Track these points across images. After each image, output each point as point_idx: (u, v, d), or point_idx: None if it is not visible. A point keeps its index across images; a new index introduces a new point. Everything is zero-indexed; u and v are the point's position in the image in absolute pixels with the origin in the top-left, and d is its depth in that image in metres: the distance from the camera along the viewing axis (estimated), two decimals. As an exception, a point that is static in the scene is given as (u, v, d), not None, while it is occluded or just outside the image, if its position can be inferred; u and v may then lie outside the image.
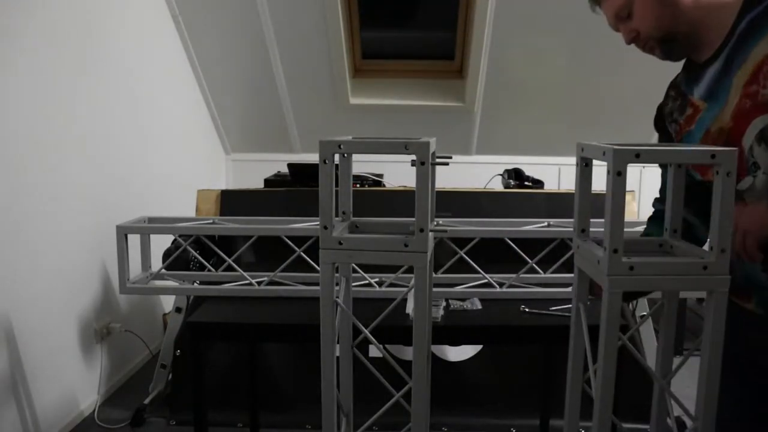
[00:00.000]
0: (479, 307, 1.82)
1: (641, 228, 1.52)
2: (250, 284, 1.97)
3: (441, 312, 1.75)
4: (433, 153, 1.26)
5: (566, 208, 2.51)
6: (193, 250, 2.03)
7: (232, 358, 2.66)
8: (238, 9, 3.54)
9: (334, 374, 1.26)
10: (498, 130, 4.19)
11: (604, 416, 1.07)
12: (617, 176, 1.00)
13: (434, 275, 1.77)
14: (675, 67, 1.37)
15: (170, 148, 3.62)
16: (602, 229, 1.04)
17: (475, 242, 1.98)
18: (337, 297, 1.28)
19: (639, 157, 1.01)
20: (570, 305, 1.26)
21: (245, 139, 4.41)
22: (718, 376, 1.06)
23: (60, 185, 2.54)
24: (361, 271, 1.98)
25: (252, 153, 4.44)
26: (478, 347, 2.69)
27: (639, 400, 1.99)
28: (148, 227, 2.03)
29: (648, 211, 1.49)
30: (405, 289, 1.48)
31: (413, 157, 1.16)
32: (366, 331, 1.31)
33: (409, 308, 1.72)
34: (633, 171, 3.95)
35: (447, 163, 1.31)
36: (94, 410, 2.71)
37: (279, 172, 2.97)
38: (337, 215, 1.27)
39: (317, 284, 1.48)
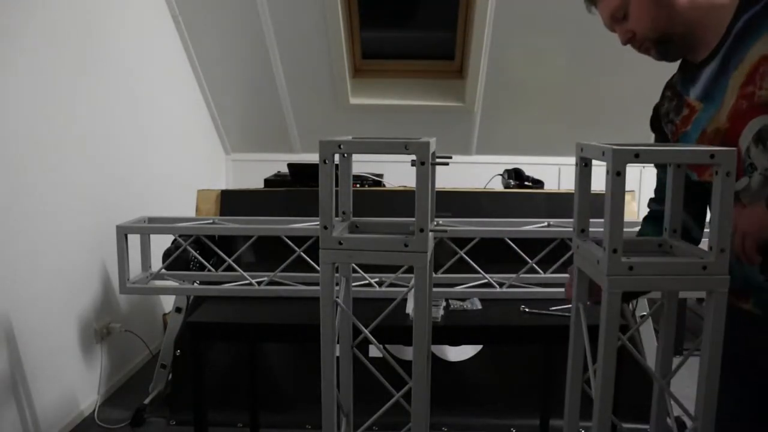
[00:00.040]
0: (479, 307, 1.83)
1: (640, 228, 1.52)
2: (250, 284, 1.97)
3: (441, 312, 1.75)
4: (433, 153, 1.26)
5: (566, 208, 2.51)
6: (193, 250, 2.03)
7: (232, 358, 2.66)
8: (238, 9, 3.54)
9: (334, 374, 1.26)
10: (498, 130, 4.19)
11: (603, 416, 1.07)
12: (616, 176, 1.00)
13: (434, 275, 1.77)
14: (675, 67, 1.37)
15: (170, 148, 3.62)
16: (602, 229, 1.04)
17: (475, 242, 1.98)
18: (337, 297, 1.28)
19: (638, 157, 1.00)
20: (570, 305, 1.26)
21: (245, 139, 4.41)
22: (718, 376, 1.06)
23: (60, 185, 2.54)
24: (361, 271, 1.98)
25: (252, 153, 4.44)
26: (478, 347, 2.69)
27: (639, 400, 1.99)
28: (148, 227, 2.03)
29: (646, 210, 1.49)
30: (405, 289, 1.48)
31: (413, 157, 1.16)
32: (366, 331, 1.31)
33: (409, 308, 1.72)
34: (633, 171, 3.95)
35: (447, 163, 1.31)
36: (94, 410, 2.71)
37: (279, 172, 2.97)
38: (337, 215, 1.27)
39: (317, 284, 1.48)
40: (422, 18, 3.99)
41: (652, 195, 1.44)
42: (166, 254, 2.33)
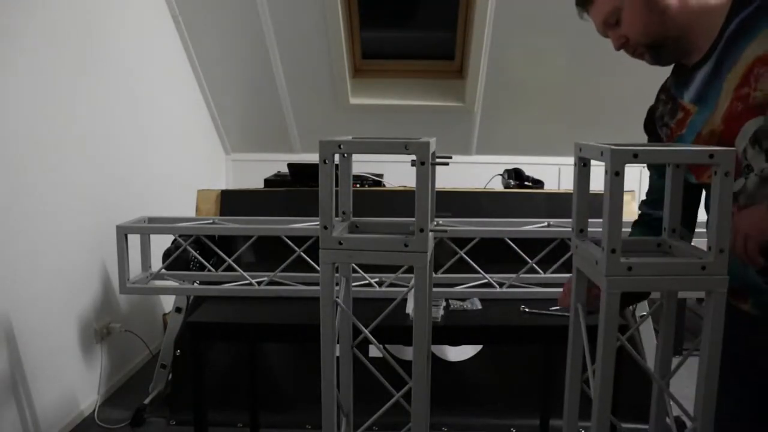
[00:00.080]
0: (479, 307, 1.83)
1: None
2: (250, 284, 1.97)
3: (441, 312, 1.75)
4: (433, 153, 1.26)
5: (566, 208, 2.50)
6: (193, 250, 2.03)
7: (232, 358, 2.66)
8: (238, 9, 3.54)
9: (334, 374, 1.26)
10: (498, 130, 4.19)
11: (603, 416, 1.07)
12: (615, 176, 1.00)
13: (434, 275, 1.77)
14: (673, 68, 1.37)
15: (170, 148, 3.62)
16: (601, 230, 1.04)
17: (475, 242, 1.98)
18: (337, 297, 1.28)
19: (637, 157, 1.01)
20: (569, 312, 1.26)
21: (245, 139, 4.41)
22: (717, 376, 1.06)
23: (60, 185, 2.54)
24: (361, 271, 1.98)
25: (252, 153, 4.44)
26: (478, 347, 2.69)
27: (638, 400, 1.99)
28: (148, 227, 2.04)
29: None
30: (405, 289, 1.48)
31: (413, 157, 1.16)
32: (366, 331, 1.31)
33: (409, 308, 1.72)
34: (632, 171, 3.95)
35: (447, 163, 1.31)
36: (94, 410, 2.71)
37: (279, 172, 2.97)
38: (337, 215, 1.27)
39: (317, 284, 1.48)
40: (422, 18, 3.99)
41: (644, 198, 1.44)
42: (166, 254, 2.33)
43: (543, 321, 1.74)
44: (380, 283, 1.97)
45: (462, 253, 1.95)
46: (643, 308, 2.67)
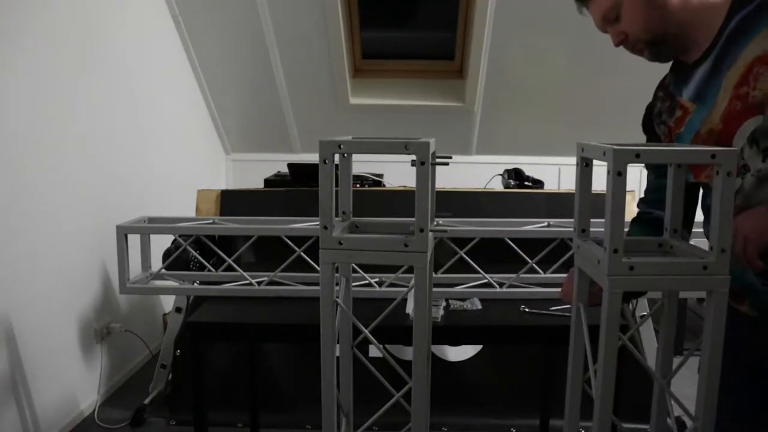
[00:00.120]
0: (479, 307, 1.83)
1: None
2: (250, 284, 1.97)
3: (441, 312, 1.75)
4: (433, 153, 1.26)
5: (566, 208, 2.51)
6: (193, 250, 2.03)
7: (232, 358, 2.66)
8: (238, 9, 3.54)
9: (334, 374, 1.26)
10: (498, 130, 4.19)
11: (604, 416, 1.07)
12: (617, 176, 1.00)
13: (434, 275, 1.77)
14: (672, 67, 1.37)
15: (170, 148, 3.62)
16: (602, 229, 1.04)
17: (475, 242, 1.98)
18: (337, 297, 1.28)
19: (639, 157, 1.01)
20: (570, 305, 1.26)
21: (245, 139, 4.41)
22: (718, 376, 1.06)
23: (60, 185, 2.54)
24: (361, 271, 1.98)
25: (252, 153, 4.44)
26: (478, 347, 2.69)
27: (639, 400, 2.00)
28: (148, 227, 2.03)
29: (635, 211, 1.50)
30: (405, 289, 1.48)
31: (413, 157, 1.16)
32: (366, 331, 1.31)
33: (409, 308, 1.72)
34: (632, 171, 3.92)
35: (447, 163, 1.31)
36: (94, 410, 2.71)
37: (279, 172, 2.97)
38: (337, 215, 1.27)
39: (317, 284, 1.48)
40: (422, 18, 3.99)
41: (642, 196, 1.44)
42: (166, 254, 2.33)
43: (543, 321, 1.73)
44: (380, 283, 1.97)
45: (462, 253, 1.95)
46: (643, 308, 2.67)
